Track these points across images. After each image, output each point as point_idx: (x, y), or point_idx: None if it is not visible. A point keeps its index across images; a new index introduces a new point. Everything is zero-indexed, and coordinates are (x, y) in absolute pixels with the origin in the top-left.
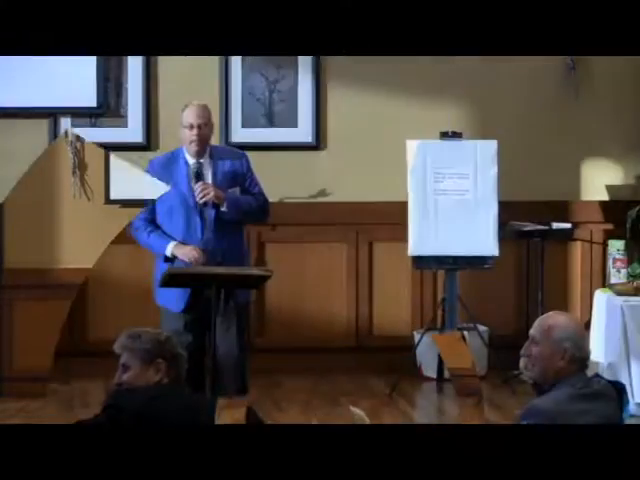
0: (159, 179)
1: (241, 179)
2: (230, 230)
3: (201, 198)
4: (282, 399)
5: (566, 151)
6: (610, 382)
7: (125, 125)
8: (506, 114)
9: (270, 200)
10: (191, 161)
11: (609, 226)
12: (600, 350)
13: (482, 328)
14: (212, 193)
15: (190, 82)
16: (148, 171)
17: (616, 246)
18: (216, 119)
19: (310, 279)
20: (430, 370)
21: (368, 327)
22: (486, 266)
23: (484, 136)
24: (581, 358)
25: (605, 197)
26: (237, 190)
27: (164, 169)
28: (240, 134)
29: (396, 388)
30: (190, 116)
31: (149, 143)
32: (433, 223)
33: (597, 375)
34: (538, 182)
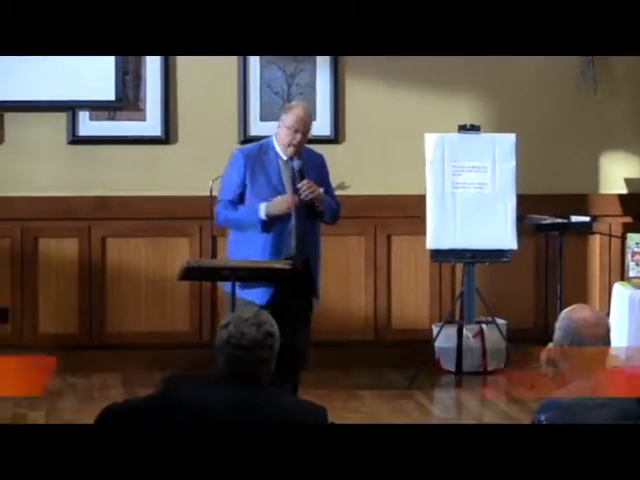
0: (252, 168)
1: (324, 181)
2: (316, 228)
3: (306, 195)
4: (301, 393)
5: (585, 144)
6: None
7: (144, 118)
8: (524, 107)
9: None
10: (284, 156)
11: (628, 219)
12: (619, 343)
13: (500, 322)
14: (317, 192)
15: (209, 75)
16: (239, 159)
17: (635, 239)
18: (235, 112)
19: (328, 272)
20: (449, 363)
21: (386, 320)
22: (504, 259)
23: (502, 129)
24: None
25: (624, 190)
26: (322, 191)
27: (257, 159)
28: (258, 127)
29: (414, 381)
30: (297, 121)
31: (167, 136)
32: (451, 216)
33: None
34: (557, 175)
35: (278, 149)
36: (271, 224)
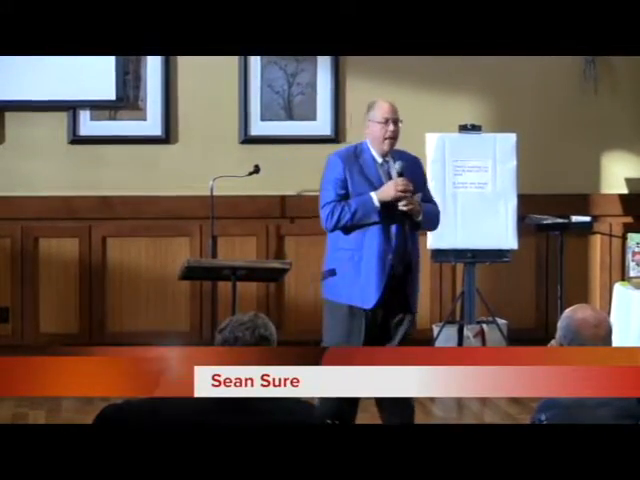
0: (350, 171)
1: (421, 185)
2: (415, 236)
3: (405, 206)
4: None
5: (585, 144)
6: None
7: (144, 118)
8: (525, 107)
9: (289, 193)
10: (379, 159)
11: (628, 219)
12: (620, 343)
13: (501, 321)
14: (417, 207)
15: (209, 75)
16: (337, 162)
17: (635, 239)
18: (235, 112)
19: None
20: None
21: None
22: (505, 259)
23: (503, 129)
24: None
25: (624, 190)
26: (420, 196)
27: (354, 162)
28: (259, 127)
29: None
30: (387, 111)
31: (168, 136)
32: (452, 216)
33: None
34: (557, 175)
35: (373, 152)
36: (383, 215)
